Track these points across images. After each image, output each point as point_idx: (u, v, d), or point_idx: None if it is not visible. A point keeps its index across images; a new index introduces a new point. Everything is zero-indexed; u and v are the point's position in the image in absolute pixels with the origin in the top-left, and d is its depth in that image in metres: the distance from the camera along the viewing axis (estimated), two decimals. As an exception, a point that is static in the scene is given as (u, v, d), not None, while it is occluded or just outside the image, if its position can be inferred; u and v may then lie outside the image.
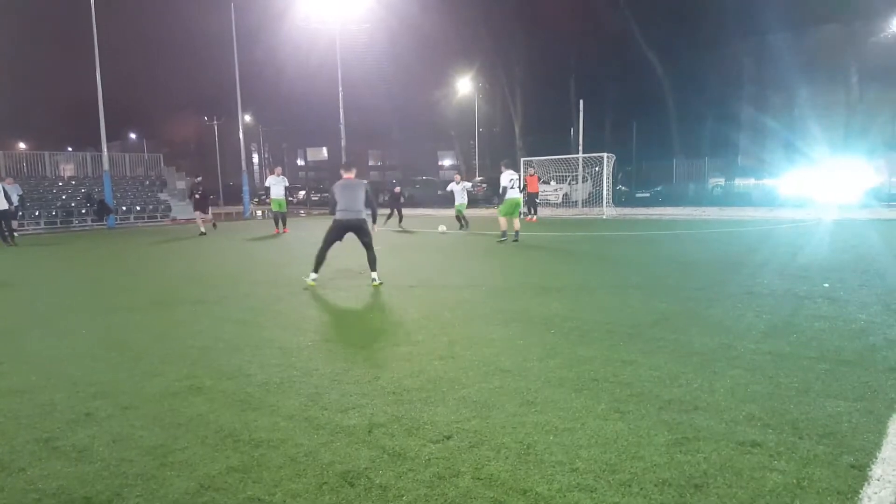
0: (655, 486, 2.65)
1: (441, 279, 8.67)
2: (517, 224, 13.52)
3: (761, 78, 40.14)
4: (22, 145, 46.25)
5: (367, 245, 8.23)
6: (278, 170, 18.94)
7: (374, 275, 8.19)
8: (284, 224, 18.00)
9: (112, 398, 3.92)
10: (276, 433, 3.32)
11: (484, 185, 36.28)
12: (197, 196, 18.34)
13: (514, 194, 13.22)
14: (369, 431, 3.30)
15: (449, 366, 4.40)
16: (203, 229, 18.33)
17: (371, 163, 72.58)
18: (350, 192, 8.11)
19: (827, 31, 36.46)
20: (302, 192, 47.80)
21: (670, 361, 4.37)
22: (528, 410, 3.52)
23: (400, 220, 19.25)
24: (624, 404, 3.57)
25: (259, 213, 32.78)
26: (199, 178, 19.64)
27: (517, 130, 48.49)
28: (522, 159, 26.51)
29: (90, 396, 3.96)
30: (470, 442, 3.12)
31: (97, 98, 24.45)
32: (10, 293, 8.66)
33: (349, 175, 8.33)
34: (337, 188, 8.19)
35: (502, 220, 13.38)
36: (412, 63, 46.69)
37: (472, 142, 52.20)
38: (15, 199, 19.13)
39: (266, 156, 71.90)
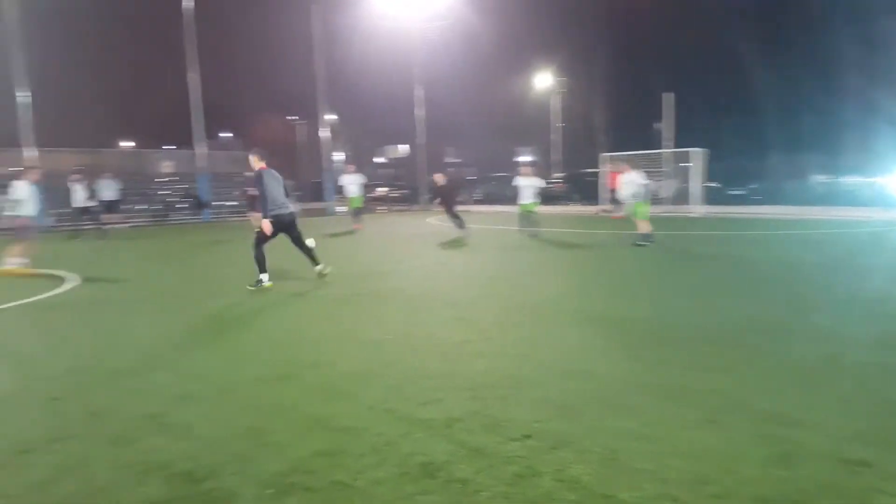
0: (752, 502, 2.51)
1: (515, 279, 8.60)
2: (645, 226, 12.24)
3: (870, 67, 37.11)
4: (127, 144, 49.71)
5: (297, 240, 7.91)
6: (351, 167, 19.15)
7: (318, 267, 7.99)
8: (359, 220, 18.01)
9: (210, 381, 4.15)
10: (359, 422, 3.40)
11: (564, 183, 35.61)
12: (249, 192, 16.80)
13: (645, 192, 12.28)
14: (448, 426, 3.32)
15: (526, 365, 4.36)
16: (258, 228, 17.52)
17: (448, 160, 73.02)
18: (277, 184, 7.57)
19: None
20: (383, 189, 48.79)
21: (768, 370, 4.12)
22: (611, 415, 3.42)
23: (455, 218, 14.53)
24: (716, 414, 3.40)
25: (340, 209, 33.41)
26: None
27: (599, 125, 47.36)
28: (606, 154, 25.85)
29: (190, 378, 4.21)
30: (551, 443, 3.08)
31: (195, 99, 26.00)
32: (116, 282, 9.35)
33: (262, 164, 7.75)
34: (266, 179, 7.52)
35: (643, 223, 12.10)
36: (490, 59, 46.62)
37: (551, 137, 51.42)
38: (113, 193, 20.65)
39: (348, 154, 74.03)
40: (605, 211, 23.38)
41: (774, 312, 5.88)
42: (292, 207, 7.73)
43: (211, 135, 32.20)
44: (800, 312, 5.86)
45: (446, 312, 6.27)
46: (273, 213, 7.48)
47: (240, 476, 2.80)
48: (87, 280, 8.90)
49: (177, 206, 26.93)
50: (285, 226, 7.72)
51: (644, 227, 12.10)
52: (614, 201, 20.97)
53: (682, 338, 4.97)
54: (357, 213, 17.96)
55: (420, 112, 33.51)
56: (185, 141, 30.21)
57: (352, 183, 18.02)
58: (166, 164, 31.02)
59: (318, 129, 33.05)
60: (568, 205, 31.02)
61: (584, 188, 32.64)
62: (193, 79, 25.81)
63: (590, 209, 26.10)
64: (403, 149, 73.25)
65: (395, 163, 77.39)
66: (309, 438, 3.20)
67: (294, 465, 2.89)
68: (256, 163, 7.84)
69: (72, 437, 3.27)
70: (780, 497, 2.53)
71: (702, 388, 3.80)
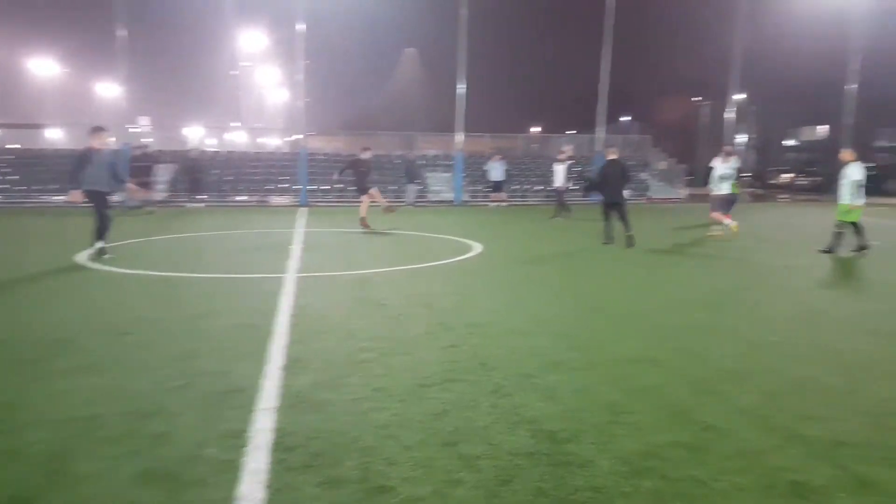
0: None
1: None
2: None
3: None
4: (535, 129, 54.73)
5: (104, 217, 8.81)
6: (727, 148, 16.90)
7: (98, 244, 8.55)
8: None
9: (581, 353, 4.42)
10: (727, 423, 3.21)
11: None
12: (362, 170, 14.02)
13: None
14: (833, 448, 2.89)
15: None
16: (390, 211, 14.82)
17: (881, 143, 58.71)
18: (101, 165, 8.74)
19: None
20: (787, 176, 43.06)
21: None
22: None
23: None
24: None
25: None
26: (364, 153, 14.40)
27: None
28: None
29: (565, 349, 4.54)
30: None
31: (599, 85, 27.20)
32: (510, 252, 10.38)
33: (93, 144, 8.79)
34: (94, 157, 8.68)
35: None
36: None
37: None
38: (499, 174, 23.22)
39: (753, 136, 67.06)
40: None
41: None
42: (108, 188, 8.95)
43: (611, 119, 33.56)
44: None
45: (859, 324, 5.30)
46: (85, 187, 8.73)
47: (597, 447, 2.92)
48: (488, 249, 10.02)
49: (570, 188, 28.82)
50: (103, 199, 8.85)
51: None
52: None
53: None
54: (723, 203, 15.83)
55: (851, 87, 27.71)
56: (587, 126, 32.15)
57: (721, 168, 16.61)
58: (566, 147, 33.55)
59: (723, 110, 30.85)
60: None
61: None
62: (604, 65, 26.65)
63: None
64: (822, 130, 62.36)
65: (808, 146, 66.63)
66: (669, 427, 3.16)
67: (651, 450, 2.89)
68: (95, 141, 8.89)
69: (462, 381, 3.81)
70: None
71: None
